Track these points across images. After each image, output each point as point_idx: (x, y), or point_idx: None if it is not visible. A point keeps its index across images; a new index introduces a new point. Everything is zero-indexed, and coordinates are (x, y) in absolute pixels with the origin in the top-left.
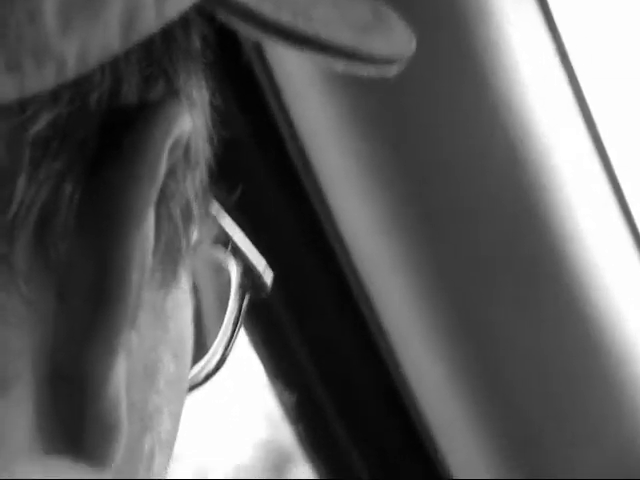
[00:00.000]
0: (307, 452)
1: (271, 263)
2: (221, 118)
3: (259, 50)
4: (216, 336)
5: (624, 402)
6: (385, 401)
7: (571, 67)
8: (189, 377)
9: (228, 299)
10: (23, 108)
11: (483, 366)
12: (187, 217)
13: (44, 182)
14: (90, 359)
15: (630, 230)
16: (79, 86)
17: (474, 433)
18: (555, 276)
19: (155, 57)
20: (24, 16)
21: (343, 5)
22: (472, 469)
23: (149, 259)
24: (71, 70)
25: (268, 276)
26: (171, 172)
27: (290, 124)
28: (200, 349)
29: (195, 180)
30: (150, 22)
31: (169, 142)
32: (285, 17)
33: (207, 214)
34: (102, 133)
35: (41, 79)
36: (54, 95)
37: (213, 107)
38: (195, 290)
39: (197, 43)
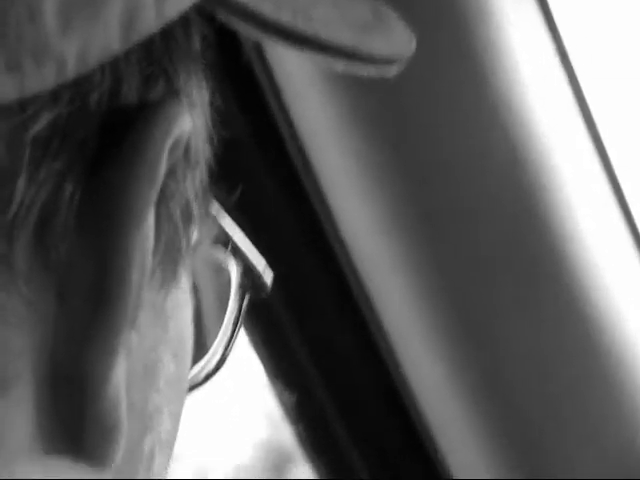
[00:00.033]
0: (307, 452)
1: (271, 263)
2: (221, 118)
3: (259, 50)
4: (216, 336)
5: (624, 402)
6: (385, 401)
7: (571, 67)
8: (189, 377)
9: (228, 299)
10: (23, 108)
11: (483, 366)
12: (187, 217)
13: (44, 182)
14: (90, 359)
15: (630, 230)
16: (79, 86)
17: (474, 433)
18: (555, 276)
19: (155, 57)
20: (24, 16)
21: (343, 5)
22: (472, 469)
23: (149, 259)
24: (71, 70)
25: (268, 276)
26: (171, 172)
27: (290, 124)
28: (200, 349)
29: (195, 180)
30: (150, 22)
31: (169, 142)
32: (285, 17)
33: (207, 214)
34: (102, 133)
35: (41, 79)
36: (54, 95)
37: (213, 107)
38: (195, 290)
39: (197, 43)
